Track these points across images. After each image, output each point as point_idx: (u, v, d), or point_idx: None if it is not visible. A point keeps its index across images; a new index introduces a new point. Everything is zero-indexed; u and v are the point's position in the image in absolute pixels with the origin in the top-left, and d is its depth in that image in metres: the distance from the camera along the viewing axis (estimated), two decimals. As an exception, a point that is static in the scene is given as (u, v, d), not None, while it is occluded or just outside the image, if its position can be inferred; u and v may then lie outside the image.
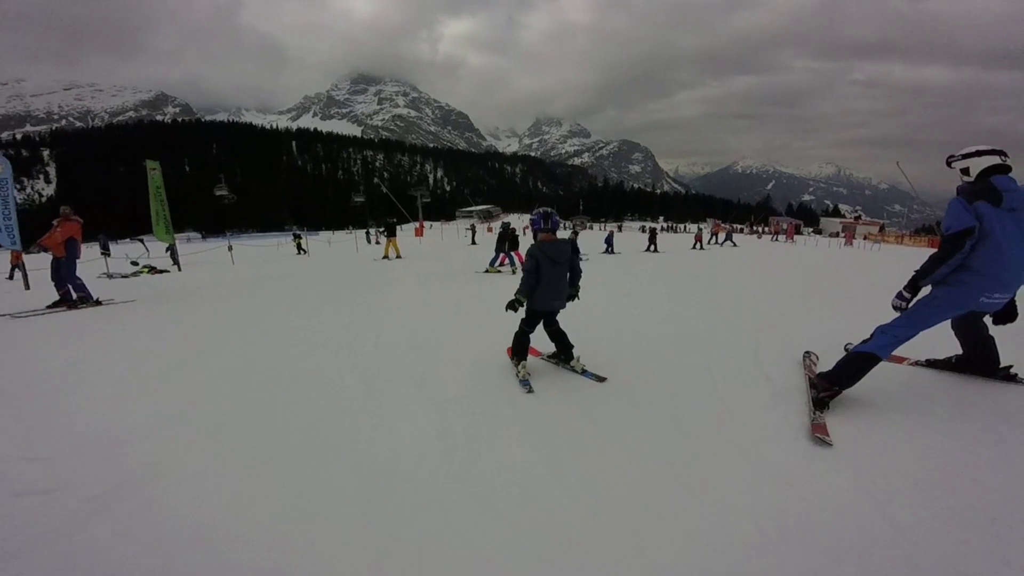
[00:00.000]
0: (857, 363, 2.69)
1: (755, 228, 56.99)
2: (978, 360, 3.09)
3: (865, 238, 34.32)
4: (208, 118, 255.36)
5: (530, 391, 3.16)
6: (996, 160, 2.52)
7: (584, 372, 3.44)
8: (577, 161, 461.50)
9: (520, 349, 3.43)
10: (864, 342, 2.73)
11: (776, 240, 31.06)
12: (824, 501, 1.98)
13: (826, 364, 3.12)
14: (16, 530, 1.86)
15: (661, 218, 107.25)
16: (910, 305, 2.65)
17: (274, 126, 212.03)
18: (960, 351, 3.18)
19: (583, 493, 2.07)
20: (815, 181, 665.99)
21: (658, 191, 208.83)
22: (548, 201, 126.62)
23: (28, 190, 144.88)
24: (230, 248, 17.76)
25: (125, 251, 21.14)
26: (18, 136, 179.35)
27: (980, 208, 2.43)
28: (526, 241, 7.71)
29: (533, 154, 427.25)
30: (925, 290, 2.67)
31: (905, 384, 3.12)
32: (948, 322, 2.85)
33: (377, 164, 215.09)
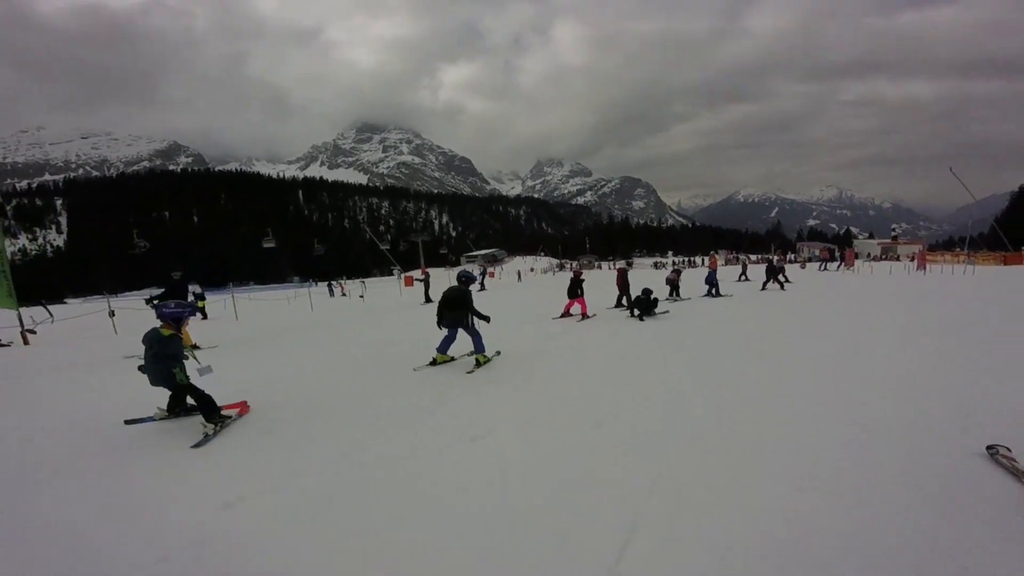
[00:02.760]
0: None
1: (797, 258, 51.92)
2: None
3: (942, 258, 29.40)
4: (219, 167, 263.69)
5: None
6: None
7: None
8: (580, 200, 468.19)
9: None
10: None
11: (825, 269, 26.78)
12: None
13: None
14: None
15: (670, 252, 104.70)
16: None
17: (282, 175, 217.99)
18: None
19: None
20: (818, 205, 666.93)
21: (664, 225, 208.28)
22: (553, 242, 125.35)
23: (40, 240, 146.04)
24: (112, 314, 12.73)
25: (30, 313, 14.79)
26: (34, 185, 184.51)
27: None
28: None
29: (536, 195, 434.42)
30: None
31: None
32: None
33: (383, 211, 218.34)
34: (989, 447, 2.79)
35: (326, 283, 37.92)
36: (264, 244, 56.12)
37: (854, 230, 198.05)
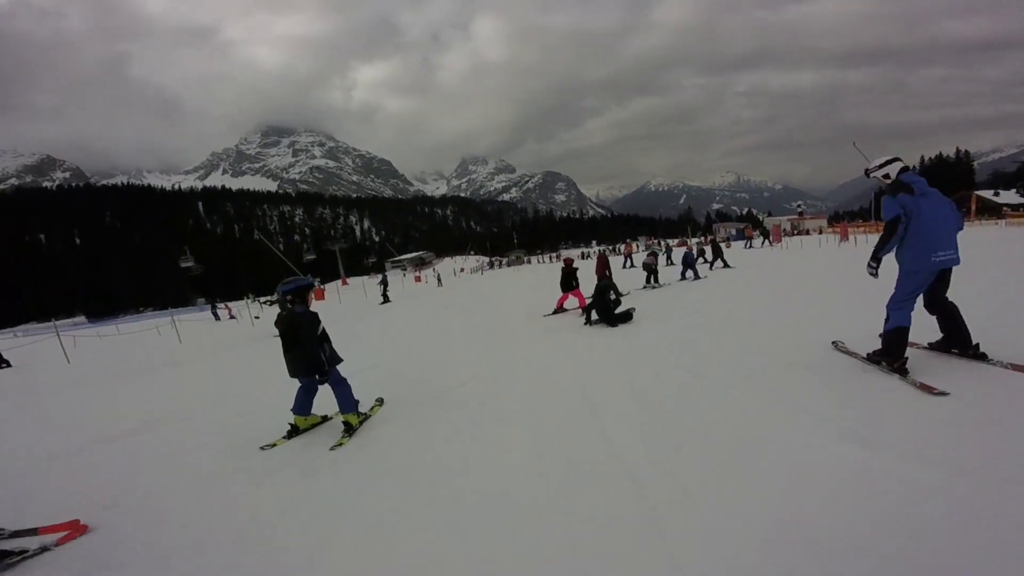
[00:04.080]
0: (896, 339, 3.49)
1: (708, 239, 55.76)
2: (953, 338, 3.65)
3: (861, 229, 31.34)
4: (103, 182, 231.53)
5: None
6: (901, 163, 3.64)
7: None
8: (506, 197, 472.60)
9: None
10: (887, 321, 3.55)
11: (751, 247, 27.18)
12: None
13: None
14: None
15: (594, 242, 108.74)
16: (878, 273, 3.67)
17: (177, 187, 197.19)
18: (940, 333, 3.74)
19: None
20: (720, 190, 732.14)
21: (585, 216, 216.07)
22: (482, 240, 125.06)
23: None
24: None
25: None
26: None
27: (903, 199, 3.39)
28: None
29: (463, 194, 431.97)
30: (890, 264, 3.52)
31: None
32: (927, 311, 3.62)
33: (296, 220, 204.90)
34: (833, 342, 4.52)
35: (210, 305, 33.40)
36: (181, 264, 51.97)
37: (755, 211, 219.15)
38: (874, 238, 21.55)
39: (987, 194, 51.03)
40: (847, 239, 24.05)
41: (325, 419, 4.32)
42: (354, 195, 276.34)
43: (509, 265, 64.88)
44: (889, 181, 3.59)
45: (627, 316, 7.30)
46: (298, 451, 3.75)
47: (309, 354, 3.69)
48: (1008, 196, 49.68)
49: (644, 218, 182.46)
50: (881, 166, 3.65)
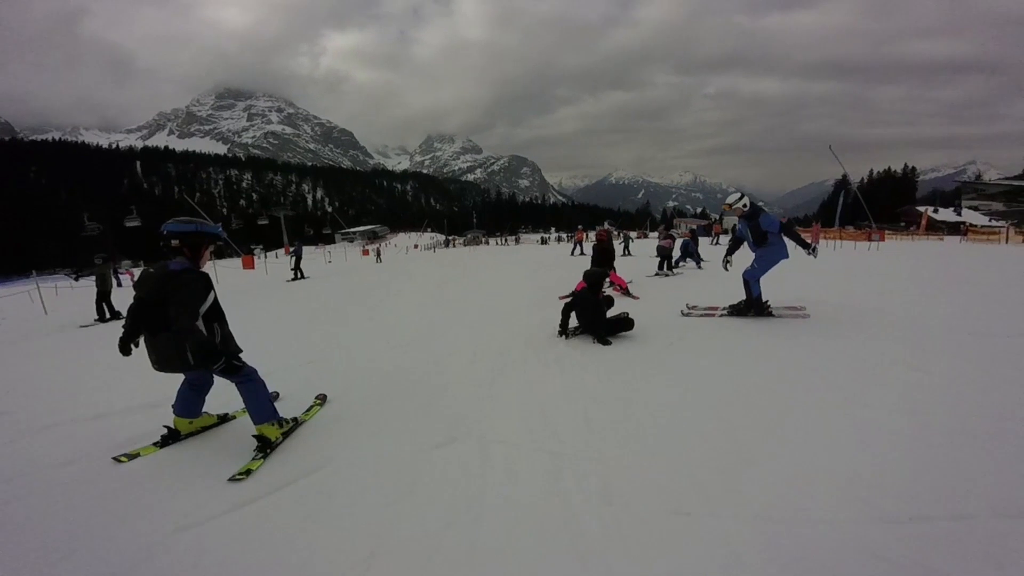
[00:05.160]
0: (760, 297, 5.44)
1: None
2: (751, 303, 5.50)
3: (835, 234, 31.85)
4: (33, 137, 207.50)
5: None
6: (748, 198, 5.37)
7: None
8: (471, 177, 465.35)
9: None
10: (753, 289, 5.39)
11: (718, 243, 25.21)
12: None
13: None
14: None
15: (553, 228, 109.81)
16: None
17: (115, 145, 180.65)
18: (744, 297, 5.55)
19: None
20: (677, 188, 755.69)
21: (547, 203, 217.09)
22: (440, 217, 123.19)
23: None
24: None
25: None
26: None
27: (763, 217, 5.27)
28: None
29: (426, 171, 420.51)
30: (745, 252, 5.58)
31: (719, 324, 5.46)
32: (741, 280, 5.48)
33: (244, 184, 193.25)
34: (682, 311, 6.04)
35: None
36: (127, 223, 48.20)
37: (708, 211, 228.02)
38: (845, 244, 23.95)
39: (924, 209, 55.78)
40: (818, 242, 23.90)
41: (224, 419, 3.09)
42: (309, 163, 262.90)
43: (466, 245, 64.48)
44: (747, 208, 5.29)
45: (626, 324, 4.84)
46: (170, 471, 2.50)
47: (184, 333, 2.41)
48: (946, 214, 54.41)
49: (603, 209, 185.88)
50: (740, 198, 5.36)
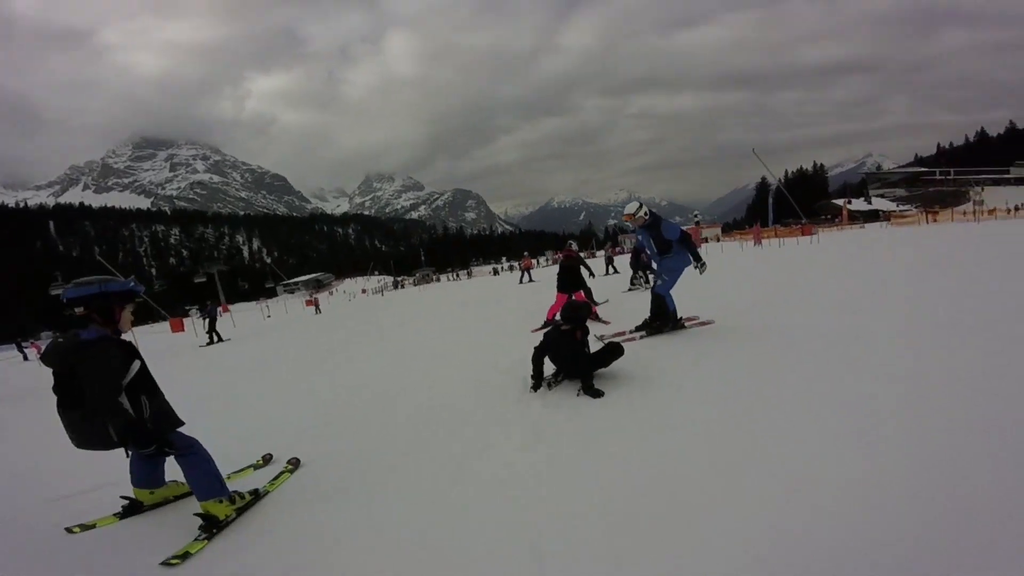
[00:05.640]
0: (675, 312, 5.33)
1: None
2: (658, 317, 5.37)
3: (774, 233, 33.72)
4: None
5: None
6: (647, 207, 5.19)
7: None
8: (414, 215, 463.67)
9: None
10: (667, 304, 5.27)
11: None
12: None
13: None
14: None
15: (504, 258, 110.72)
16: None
17: (23, 204, 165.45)
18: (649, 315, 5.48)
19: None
20: (615, 207, 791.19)
21: (495, 233, 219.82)
22: (386, 259, 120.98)
23: None
24: None
25: None
26: None
27: (665, 224, 5.15)
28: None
29: (367, 212, 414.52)
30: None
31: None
32: (649, 301, 5.53)
33: (172, 240, 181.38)
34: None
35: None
36: (52, 291, 43.21)
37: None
38: (788, 241, 24.26)
39: (840, 202, 61.43)
40: (760, 243, 25.39)
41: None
42: (242, 213, 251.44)
43: (416, 284, 63.34)
44: (648, 217, 5.16)
45: (615, 352, 4.00)
46: (114, 547, 2.34)
47: (101, 414, 2.11)
48: (859, 204, 60.10)
49: (549, 234, 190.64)
50: (640, 207, 5.20)
